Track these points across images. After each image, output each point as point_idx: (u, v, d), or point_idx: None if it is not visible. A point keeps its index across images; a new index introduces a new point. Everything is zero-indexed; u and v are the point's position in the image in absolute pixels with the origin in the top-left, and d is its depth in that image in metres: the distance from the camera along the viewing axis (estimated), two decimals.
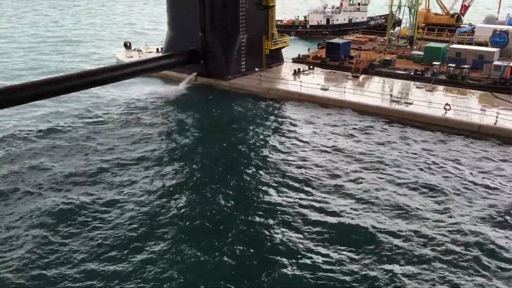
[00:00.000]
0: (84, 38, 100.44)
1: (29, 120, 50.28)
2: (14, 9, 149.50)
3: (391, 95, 54.71)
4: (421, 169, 39.13)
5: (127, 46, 77.76)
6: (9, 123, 49.27)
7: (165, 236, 29.75)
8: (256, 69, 66.40)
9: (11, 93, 46.09)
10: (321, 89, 58.18)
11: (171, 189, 35.89)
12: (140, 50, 75.94)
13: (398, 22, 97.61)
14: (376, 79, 63.68)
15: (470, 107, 51.09)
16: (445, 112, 49.67)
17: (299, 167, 39.78)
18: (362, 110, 52.93)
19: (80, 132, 47.06)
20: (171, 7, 67.75)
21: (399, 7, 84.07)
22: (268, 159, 41.72)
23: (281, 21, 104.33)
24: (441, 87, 59.20)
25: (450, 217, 31.95)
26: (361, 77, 64.01)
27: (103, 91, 60.04)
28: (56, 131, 47.35)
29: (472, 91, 57.69)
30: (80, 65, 74.38)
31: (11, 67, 73.39)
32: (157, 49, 75.78)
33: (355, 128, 48.28)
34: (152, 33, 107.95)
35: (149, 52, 75.18)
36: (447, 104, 50.35)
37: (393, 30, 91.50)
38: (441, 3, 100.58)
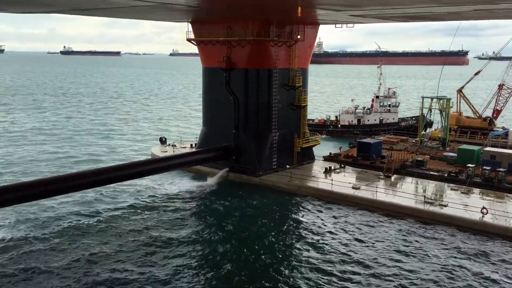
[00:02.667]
0: (121, 133, 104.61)
1: (68, 207, 52.72)
2: (53, 103, 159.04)
3: (424, 196, 53.51)
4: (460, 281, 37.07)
5: (162, 141, 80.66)
6: (49, 210, 51.43)
7: None
8: (287, 166, 66.92)
9: (50, 185, 49.22)
10: (353, 188, 57.65)
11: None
12: (175, 145, 78.25)
13: (429, 124, 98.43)
14: (409, 179, 62.78)
15: (508, 212, 49.25)
16: (483, 216, 47.96)
17: (327, 273, 38.44)
18: (394, 211, 51.73)
19: (112, 221, 48.68)
20: (206, 105, 70.81)
21: (430, 109, 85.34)
22: (296, 260, 40.59)
23: (313, 120, 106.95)
24: (476, 190, 57.59)
25: None
26: (393, 177, 63.30)
27: (138, 184, 61.22)
28: (92, 218, 49.67)
29: (509, 195, 55.92)
30: (116, 159, 76.93)
31: (48, 160, 76.04)
32: (191, 145, 77.92)
33: (387, 232, 46.83)
34: (187, 129, 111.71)
35: (183, 147, 77.32)
36: (484, 207, 48.76)
37: (425, 131, 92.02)
38: (473, 107, 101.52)
